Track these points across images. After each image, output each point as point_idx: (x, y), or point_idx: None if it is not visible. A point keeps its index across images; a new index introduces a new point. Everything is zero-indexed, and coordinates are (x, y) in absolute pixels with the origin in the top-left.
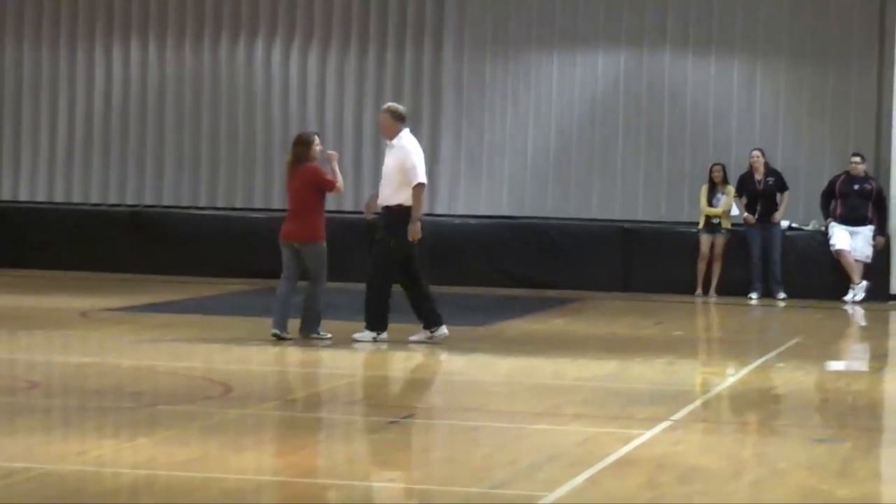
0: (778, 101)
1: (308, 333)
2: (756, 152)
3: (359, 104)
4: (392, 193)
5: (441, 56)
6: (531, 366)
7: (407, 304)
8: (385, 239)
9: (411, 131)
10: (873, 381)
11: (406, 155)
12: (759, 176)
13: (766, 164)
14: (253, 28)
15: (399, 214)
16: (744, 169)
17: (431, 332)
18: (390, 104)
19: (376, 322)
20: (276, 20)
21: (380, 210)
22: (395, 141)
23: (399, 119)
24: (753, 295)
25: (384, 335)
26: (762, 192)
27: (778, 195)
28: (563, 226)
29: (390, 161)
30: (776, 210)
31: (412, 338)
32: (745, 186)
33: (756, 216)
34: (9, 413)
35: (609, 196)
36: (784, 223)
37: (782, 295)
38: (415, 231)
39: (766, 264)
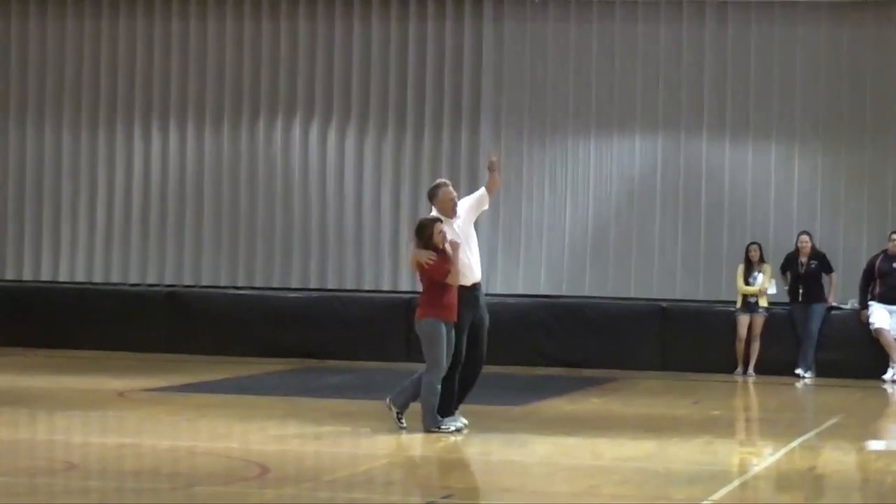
0: (815, 181)
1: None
2: (804, 237)
3: (396, 185)
4: (478, 265)
5: (478, 137)
6: (568, 446)
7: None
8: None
9: None
10: None
11: (467, 214)
12: (803, 258)
13: (813, 247)
14: (290, 109)
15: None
16: (781, 248)
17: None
18: None
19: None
20: (312, 101)
21: (473, 286)
22: (459, 211)
23: None
24: (800, 372)
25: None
26: (805, 275)
27: (823, 276)
28: (601, 305)
29: (469, 230)
30: (818, 291)
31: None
32: (790, 267)
33: (799, 298)
34: (47, 494)
35: (647, 275)
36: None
37: (809, 374)
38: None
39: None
